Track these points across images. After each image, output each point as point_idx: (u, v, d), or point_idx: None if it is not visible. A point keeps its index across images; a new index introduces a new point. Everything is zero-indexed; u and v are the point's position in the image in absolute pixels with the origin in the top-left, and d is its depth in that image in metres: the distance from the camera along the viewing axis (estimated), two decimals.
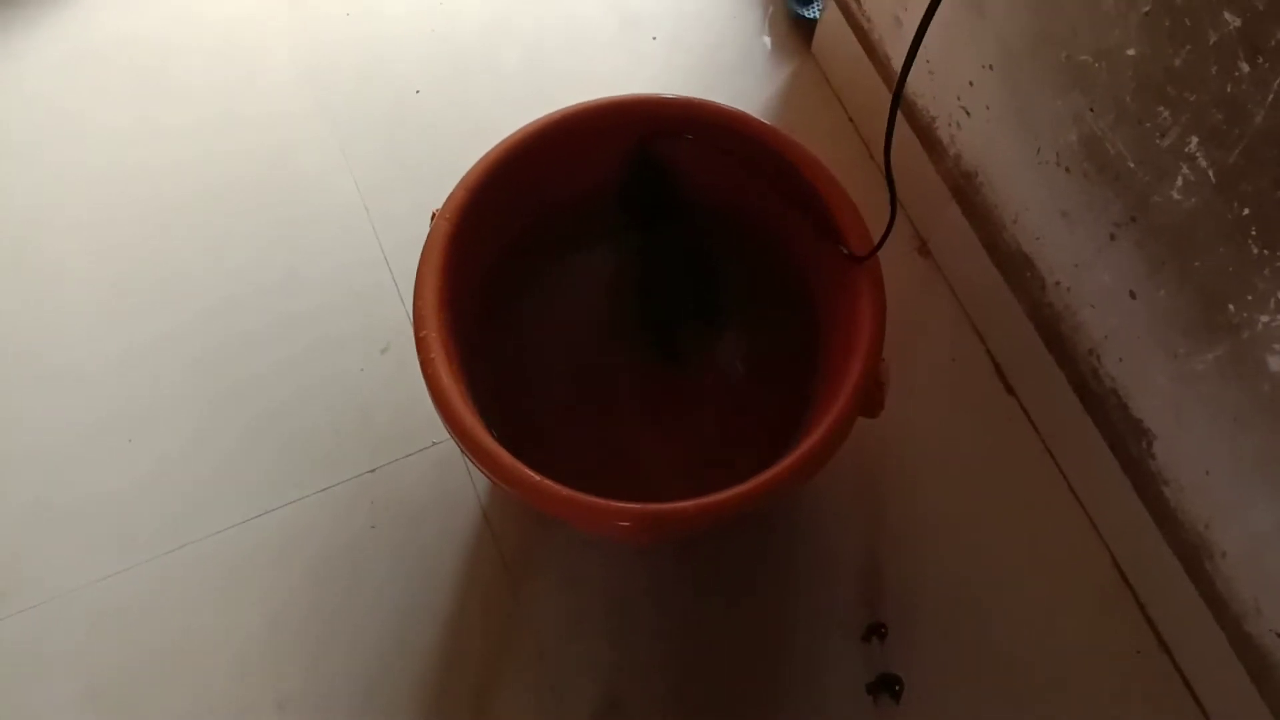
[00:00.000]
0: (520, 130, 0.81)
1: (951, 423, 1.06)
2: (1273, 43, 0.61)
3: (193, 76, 1.23)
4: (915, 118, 1.07)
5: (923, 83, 1.04)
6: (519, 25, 1.27)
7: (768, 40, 1.26)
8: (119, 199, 1.15)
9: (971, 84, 0.95)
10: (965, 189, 1.03)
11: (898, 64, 1.07)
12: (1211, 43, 0.66)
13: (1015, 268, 1.00)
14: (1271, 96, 0.63)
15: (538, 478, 0.68)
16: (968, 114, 0.98)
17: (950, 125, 1.01)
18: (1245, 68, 0.64)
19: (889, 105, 1.07)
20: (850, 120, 1.20)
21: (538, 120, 0.81)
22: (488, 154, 0.80)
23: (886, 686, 0.91)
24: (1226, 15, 0.64)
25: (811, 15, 1.24)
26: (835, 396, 0.72)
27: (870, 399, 0.76)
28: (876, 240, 0.79)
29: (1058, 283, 0.94)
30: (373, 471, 1.02)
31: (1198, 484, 0.86)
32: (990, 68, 0.91)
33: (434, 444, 1.03)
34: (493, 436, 0.71)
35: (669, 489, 0.69)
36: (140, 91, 1.22)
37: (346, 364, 1.07)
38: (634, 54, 1.25)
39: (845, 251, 0.78)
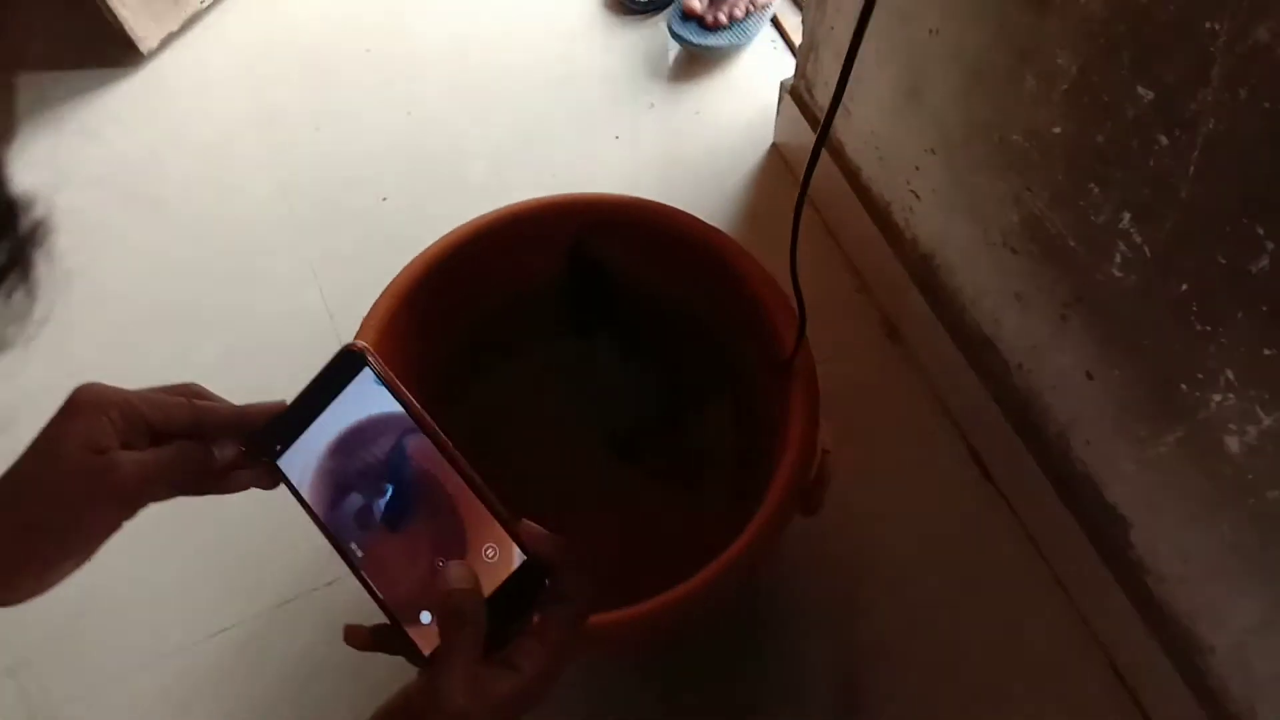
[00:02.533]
0: (449, 235, 0.80)
1: (929, 514, 1.02)
2: (1187, 114, 0.59)
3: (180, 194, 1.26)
4: (871, 203, 1.06)
5: (874, 168, 1.03)
6: (485, 129, 1.29)
7: (732, 137, 1.26)
8: (89, 317, 1.17)
9: (918, 169, 0.94)
10: (925, 273, 1.01)
11: (854, 155, 1.06)
12: (1130, 117, 0.64)
13: (979, 352, 0.97)
14: (1193, 169, 0.61)
15: None
16: (918, 198, 0.96)
17: (904, 210, 1.00)
18: (1164, 140, 0.62)
19: (849, 198, 1.07)
20: (813, 205, 1.18)
21: (466, 225, 0.81)
22: (415, 260, 0.79)
23: None
24: (1140, 89, 0.62)
25: (704, 42, 1.25)
26: (767, 505, 0.69)
27: (807, 498, 0.72)
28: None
29: (1020, 365, 0.91)
30: (329, 585, 1.00)
31: (1178, 574, 0.80)
32: (933, 152, 0.90)
33: None
34: None
35: (632, 590, 0.66)
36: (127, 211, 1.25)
37: None
38: (597, 156, 1.25)
39: (775, 353, 0.76)
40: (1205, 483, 0.72)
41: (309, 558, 1.01)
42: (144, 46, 1.32)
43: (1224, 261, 0.61)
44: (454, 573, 0.41)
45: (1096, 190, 0.70)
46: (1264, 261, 0.58)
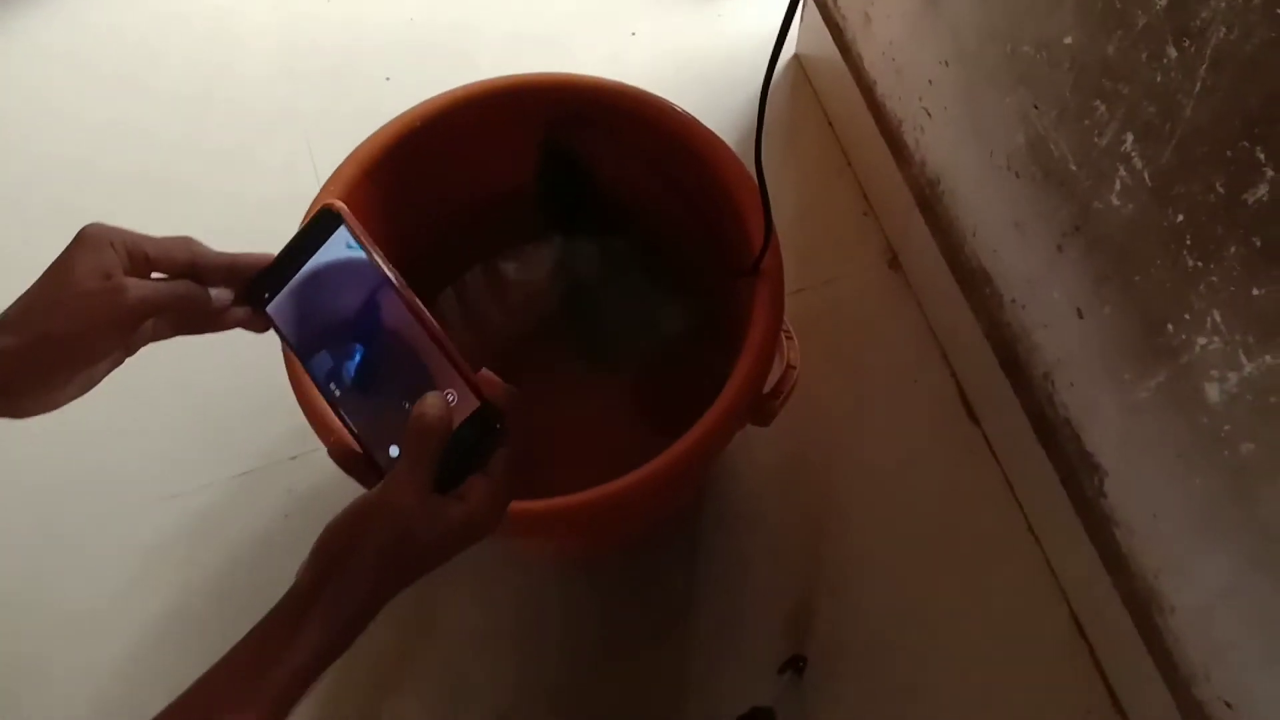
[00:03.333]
0: (417, 107, 0.77)
1: (909, 449, 0.98)
2: (1197, 23, 0.54)
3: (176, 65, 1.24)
4: (884, 120, 1.00)
5: (890, 82, 0.97)
6: (496, 13, 1.24)
7: (753, 45, 1.20)
8: (95, 184, 1.16)
9: (931, 82, 0.88)
10: (930, 198, 0.96)
11: (871, 67, 1.01)
12: (1140, 26, 0.59)
13: (976, 285, 0.92)
14: (1199, 86, 0.56)
15: None
16: (929, 115, 0.91)
17: (915, 129, 0.95)
18: (1173, 53, 0.57)
19: (863, 113, 1.02)
20: (829, 123, 1.13)
21: (435, 99, 0.77)
22: (380, 130, 0.76)
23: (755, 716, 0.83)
24: None
25: None
26: (717, 410, 0.66)
27: (761, 407, 0.69)
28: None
29: (1013, 300, 0.87)
30: (293, 459, 0.99)
31: (1148, 528, 0.77)
32: (946, 64, 0.85)
33: None
34: None
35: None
36: (122, 84, 1.23)
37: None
38: (613, 48, 1.21)
39: (746, 259, 0.72)
40: (1183, 432, 0.68)
41: (279, 434, 1.00)
42: None
43: (1221, 190, 0.57)
44: (428, 399, 0.45)
45: (1102, 108, 0.65)
46: (1262, 190, 0.53)
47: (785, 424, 0.98)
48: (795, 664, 0.87)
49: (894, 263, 1.07)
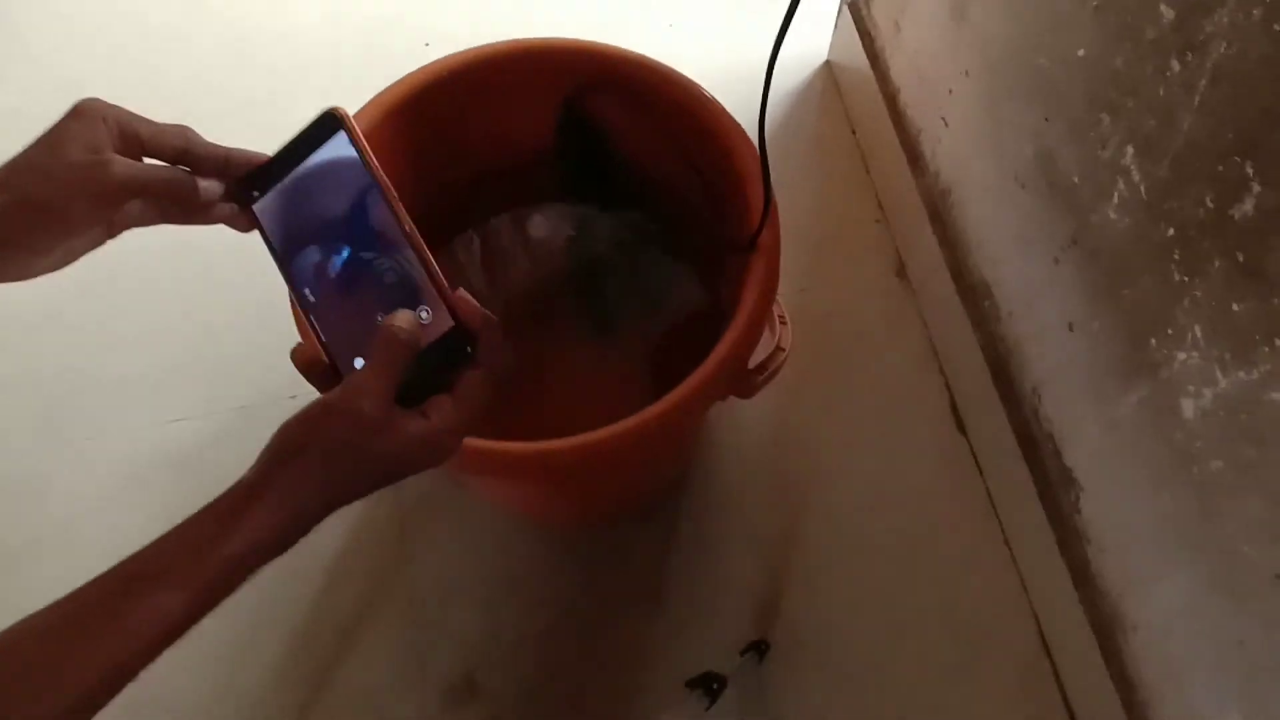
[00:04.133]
0: (440, 60, 0.79)
1: (896, 453, 0.99)
2: (1201, 37, 0.55)
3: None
4: (904, 128, 1.02)
5: (913, 90, 0.99)
6: (542, 2, 1.27)
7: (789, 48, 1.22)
8: None
9: (951, 92, 0.90)
10: (940, 209, 0.97)
11: (897, 75, 1.03)
12: (1149, 39, 0.60)
13: (977, 297, 0.93)
14: (1198, 99, 0.57)
15: None
16: (946, 125, 0.92)
17: (933, 139, 0.96)
18: (1176, 66, 0.58)
19: (886, 124, 1.04)
20: (851, 130, 1.15)
21: (459, 53, 0.79)
22: (407, 77, 0.78)
23: (705, 684, 0.84)
24: (1162, 7, 0.58)
25: None
26: (699, 378, 0.67)
27: (743, 379, 0.71)
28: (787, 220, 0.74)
29: (1010, 313, 0.88)
30: (293, 398, 1.01)
31: (1117, 546, 0.78)
32: (968, 74, 0.86)
33: None
34: None
35: None
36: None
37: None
38: (645, 39, 1.23)
39: (739, 236, 0.74)
40: (1158, 448, 0.69)
41: (279, 373, 1.02)
42: None
43: (1211, 205, 0.58)
44: (400, 313, 0.45)
45: (1107, 120, 0.67)
46: (1248, 205, 0.55)
47: (774, 415, 1.00)
48: (758, 647, 0.88)
49: (901, 272, 1.08)
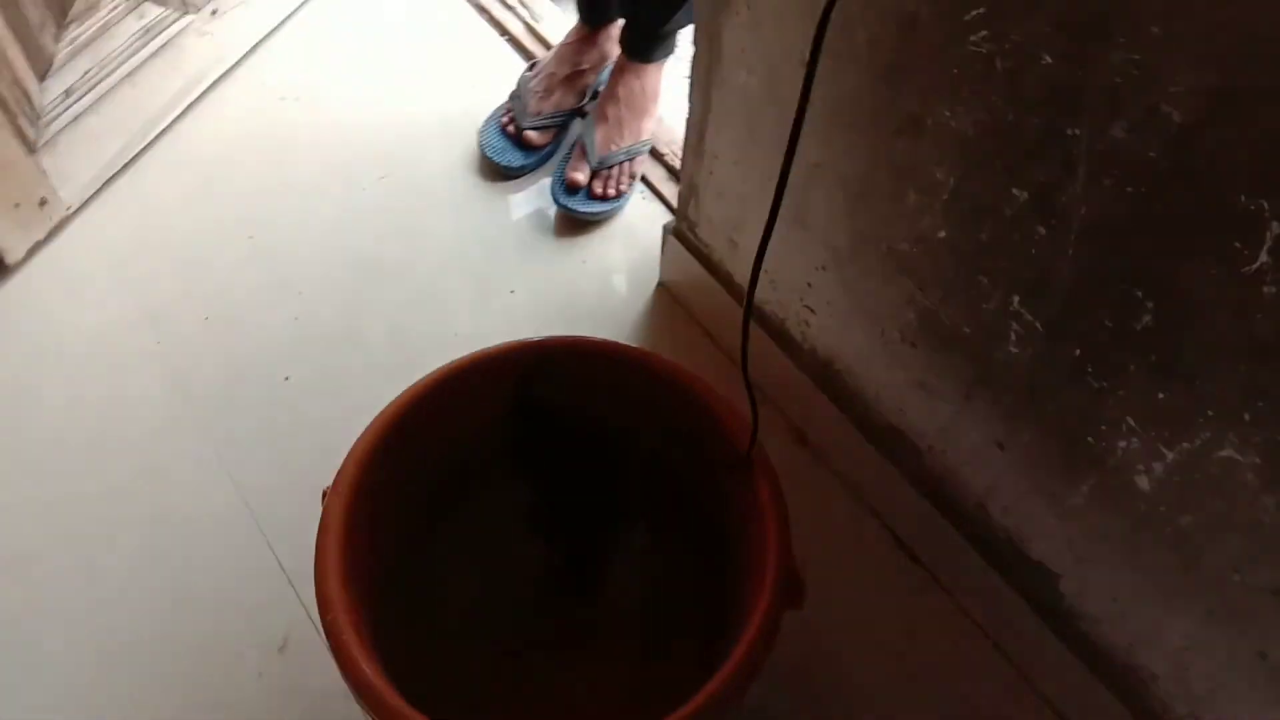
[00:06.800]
0: (400, 397, 0.82)
1: (866, 607, 1.06)
2: (1060, 206, 0.70)
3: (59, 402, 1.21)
4: (766, 322, 1.15)
5: (766, 291, 1.12)
6: (380, 299, 1.31)
7: (621, 281, 1.34)
8: None
9: (810, 285, 1.03)
10: (827, 377, 1.09)
11: (740, 279, 1.16)
12: (1009, 216, 0.75)
13: (889, 441, 1.05)
14: (1071, 251, 0.72)
15: None
16: (813, 311, 1.06)
17: (800, 324, 1.09)
18: (1042, 230, 0.73)
19: (741, 317, 1.16)
20: (708, 335, 1.27)
21: (414, 386, 0.83)
22: (371, 425, 0.81)
23: None
24: (1014, 191, 0.74)
25: (592, 210, 1.35)
26: (756, 595, 0.72)
27: (792, 591, 0.76)
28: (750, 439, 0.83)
29: (930, 447, 1.00)
30: None
31: (1110, 613, 0.88)
32: (823, 268, 1.00)
33: None
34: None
35: None
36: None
37: (243, 668, 1.01)
38: (496, 311, 1.30)
39: (733, 455, 0.81)
40: (1123, 522, 0.81)
41: None
42: (9, 259, 1.28)
43: (1110, 324, 0.72)
44: None
45: (985, 281, 0.81)
46: (1146, 319, 0.69)
47: None
48: None
49: (801, 440, 1.19)
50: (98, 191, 1.37)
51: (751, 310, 0.70)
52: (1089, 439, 0.79)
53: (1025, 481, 0.89)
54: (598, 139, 1.35)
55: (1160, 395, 0.71)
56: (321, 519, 0.76)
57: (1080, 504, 0.84)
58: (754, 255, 1.10)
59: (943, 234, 0.83)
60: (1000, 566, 0.98)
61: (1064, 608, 0.93)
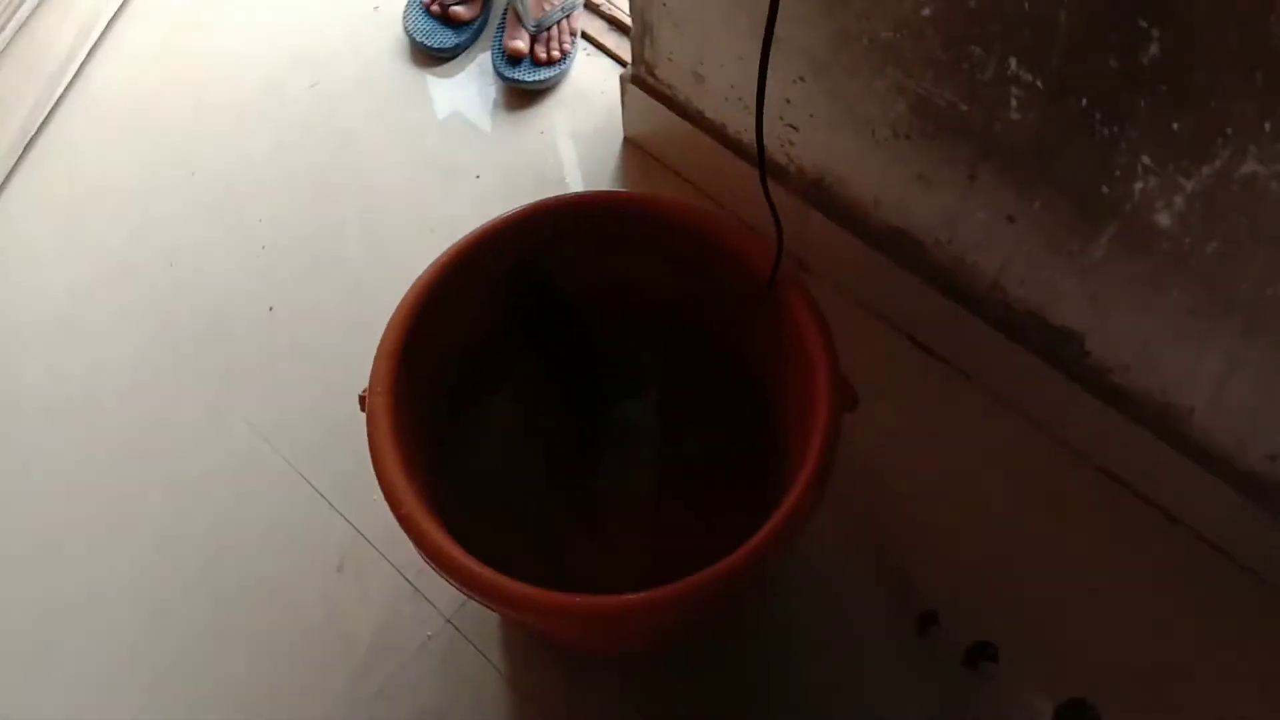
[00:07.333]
0: (414, 286, 0.80)
1: (896, 413, 1.05)
2: None
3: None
4: (745, 151, 1.12)
5: (740, 116, 1.09)
6: (342, 210, 1.27)
7: (584, 144, 1.30)
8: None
9: (789, 101, 1.01)
10: (819, 194, 1.08)
11: (712, 114, 1.13)
12: None
13: (893, 244, 1.05)
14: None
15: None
16: (795, 129, 1.04)
17: (783, 145, 1.07)
18: None
19: (722, 154, 1.14)
20: (688, 181, 1.24)
21: (422, 276, 0.81)
22: (392, 320, 0.79)
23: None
24: None
25: (538, 78, 1.30)
26: (815, 405, 0.73)
27: (846, 393, 0.77)
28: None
29: (937, 240, 1.00)
30: (379, 693, 0.95)
31: (1141, 359, 0.90)
32: (801, 80, 0.97)
33: (429, 637, 0.97)
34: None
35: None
36: None
37: (305, 597, 1.01)
38: (467, 198, 1.26)
39: (753, 281, 0.81)
40: (1148, 263, 0.82)
41: None
42: None
43: (1116, 64, 0.71)
44: None
45: (978, 50, 0.79)
46: (1153, 49, 0.68)
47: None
48: (934, 619, 0.94)
49: (802, 265, 1.18)
50: (22, 155, 1.29)
51: (763, 132, 0.68)
52: (1103, 189, 0.80)
53: (1041, 248, 0.90)
54: (530, 1, 1.29)
55: (1175, 126, 0.71)
56: (368, 420, 0.74)
57: (1100, 256, 0.85)
58: (724, 86, 1.08)
59: (927, 11, 0.80)
60: (1025, 341, 0.99)
61: (1093, 364, 0.95)
